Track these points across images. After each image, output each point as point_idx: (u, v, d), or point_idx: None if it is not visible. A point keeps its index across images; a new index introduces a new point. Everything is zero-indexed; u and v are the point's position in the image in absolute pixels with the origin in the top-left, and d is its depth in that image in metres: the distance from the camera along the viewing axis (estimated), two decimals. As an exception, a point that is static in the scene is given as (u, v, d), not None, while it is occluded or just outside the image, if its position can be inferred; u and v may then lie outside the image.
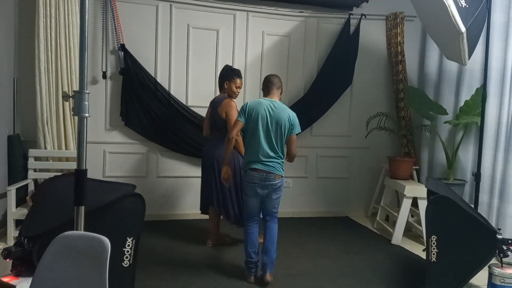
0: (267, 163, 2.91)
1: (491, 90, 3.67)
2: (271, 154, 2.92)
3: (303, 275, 3.16)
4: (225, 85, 3.54)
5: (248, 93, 4.53)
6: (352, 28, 4.68)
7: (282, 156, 2.98)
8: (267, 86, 3.09)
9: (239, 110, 3.03)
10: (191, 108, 4.32)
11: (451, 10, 2.94)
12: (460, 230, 2.65)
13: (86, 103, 1.67)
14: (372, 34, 4.78)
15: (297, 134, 3.02)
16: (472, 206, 3.33)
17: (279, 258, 3.42)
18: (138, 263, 2.39)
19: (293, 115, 2.97)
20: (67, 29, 3.75)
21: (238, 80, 3.55)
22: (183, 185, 4.42)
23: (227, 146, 3.04)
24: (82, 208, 1.69)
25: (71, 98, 1.70)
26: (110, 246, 1.44)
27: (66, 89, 3.75)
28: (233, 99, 3.53)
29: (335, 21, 4.69)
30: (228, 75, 3.54)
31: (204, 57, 4.36)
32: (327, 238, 4.06)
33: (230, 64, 3.76)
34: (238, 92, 3.60)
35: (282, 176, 2.98)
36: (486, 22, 3.32)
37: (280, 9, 4.51)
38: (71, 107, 1.72)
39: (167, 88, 4.27)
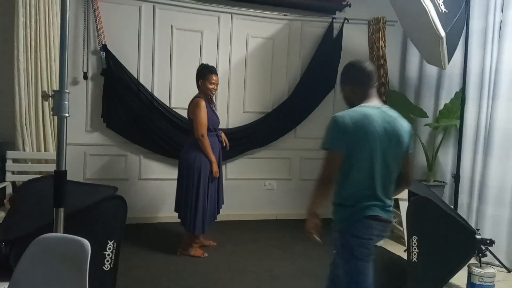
0: (388, 206, 1.96)
1: (470, 94, 3.76)
2: (390, 190, 1.97)
3: (287, 278, 3.16)
4: (199, 83, 3.45)
5: (232, 97, 4.52)
6: (335, 32, 4.73)
7: None
8: (366, 82, 1.98)
9: (332, 131, 1.92)
10: (175, 109, 4.29)
11: (431, 15, 3.01)
12: (440, 231, 2.70)
13: (66, 102, 1.65)
14: (355, 38, 4.84)
15: None
16: (452, 207, 3.39)
17: (263, 260, 3.43)
18: (119, 267, 2.36)
19: (409, 125, 2.00)
20: (47, 29, 3.67)
21: (212, 77, 3.40)
22: (166, 188, 4.36)
23: (318, 191, 1.98)
24: (62, 210, 1.66)
25: (50, 98, 1.67)
26: (90, 248, 1.41)
27: (45, 90, 3.68)
28: (202, 99, 3.38)
29: (319, 25, 4.73)
30: (201, 73, 3.43)
31: (188, 59, 4.32)
32: (311, 240, 4.06)
33: (215, 66, 3.74)
34: (215, 89, 3.47)
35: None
36: (465, 28, 3.41)
37: (264, 12, 4.52)
38: (51, 107, 1.69)
39: (150, 89, 4.23)
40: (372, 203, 1.90)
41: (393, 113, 1.97)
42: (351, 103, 2.02)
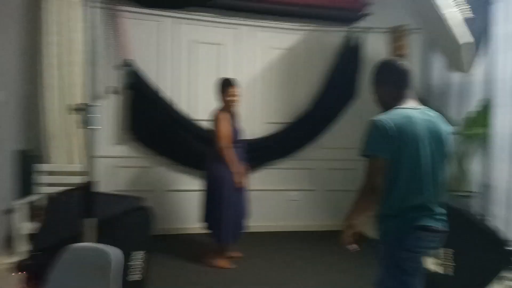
0: (438, 214, 1.82)
1: (497, 101, 3.65)
2: (438, 196, 1.83)
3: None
4: (220, 97, 3.54)
5: (253, 108, 4.53)
6: (354, 41, 4.70)
7: None
8: (403, 82, 1.84)
9: (372, 136, 1.79)
10: (197, 121, 4.33)
11: (454, 21, 2.97)
12: (474, 243, 2.62)
13: (95, 115, 1.69)
14: (376, 47, 4.78)
15: None
16: (482, 217, 3.28)
17: (288, 272, 3.38)
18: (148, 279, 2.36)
19: (449, 127, 1.89)
20: (70, 45, 3.80)
21: (230, 89, 3.50)
22: (192, 199, 4.38)
23: (360, 201, 1.85)
24: (91, 220, 1.69)
25: (78, 111, 1.72)
26: (120, 257, 1.43)
27: (72, 104, 3.79)
28: (223, 112, 3.48)
29: (338, 35, 4.70)
30: (221, 86, 3.53)
31: (209, 71, 4.36)
32: (337, 252, 3.97)
33: (235, 78, 3.77)
34: (235, 101, 3.55)
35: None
36: (490, 33, 3.33)
37: (283, 24, 4.55)
38: (79, 120, 1.74)
39: (173, 102, 4.29)
40: (421, 212, 1.77)
41: (433, 114, 1.86)
42: (386, 106, 1.88)
